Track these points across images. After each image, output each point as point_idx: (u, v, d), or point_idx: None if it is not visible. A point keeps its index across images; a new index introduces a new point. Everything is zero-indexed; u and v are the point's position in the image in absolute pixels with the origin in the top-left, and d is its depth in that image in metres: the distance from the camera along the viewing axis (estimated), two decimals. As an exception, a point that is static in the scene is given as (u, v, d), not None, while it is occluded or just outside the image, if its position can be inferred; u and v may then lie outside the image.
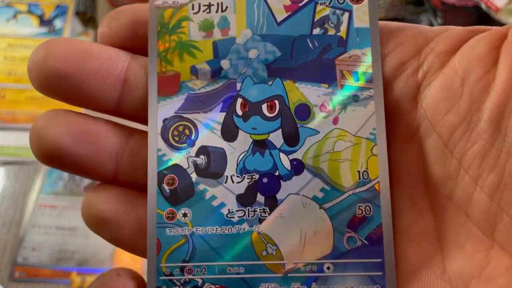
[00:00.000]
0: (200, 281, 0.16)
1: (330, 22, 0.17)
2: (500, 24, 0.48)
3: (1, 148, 0.53)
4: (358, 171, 0.17)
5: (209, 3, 0.18)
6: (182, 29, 0.18)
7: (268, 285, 0.16)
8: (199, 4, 0.18)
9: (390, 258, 0.16)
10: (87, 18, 0.59)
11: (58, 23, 0.59)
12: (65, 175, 0.51)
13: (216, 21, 0.18)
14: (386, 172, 0.17)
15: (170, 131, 0.17)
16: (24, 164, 0.52)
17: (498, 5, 0.47)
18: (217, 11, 0.18)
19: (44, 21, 0.59)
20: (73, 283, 0.45)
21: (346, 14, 0.17)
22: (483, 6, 0.48)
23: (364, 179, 0.17)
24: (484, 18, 0.50)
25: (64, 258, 0.47)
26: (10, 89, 0.56)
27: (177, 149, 0.17)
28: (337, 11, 0.17)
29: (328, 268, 0.16)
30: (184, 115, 0.17)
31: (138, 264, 0.45)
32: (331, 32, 0.17)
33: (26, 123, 0.54)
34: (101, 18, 0.60)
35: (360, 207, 0.16)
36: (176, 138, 0.17)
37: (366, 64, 0.17)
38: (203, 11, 0.18)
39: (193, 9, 0.18)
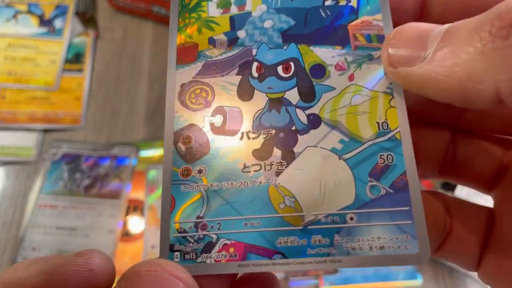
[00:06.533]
0: (215, 237, 0.15)
1: None
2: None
3: (1, 148, 0.53)
4: (377, 122, 0.16)
5: None
6: (201, 8, 0.19)
7: (287, 239, 0.15)
8: None
9: (418, 206, 0.15)
10: (87, 18, 0.59)
11: (58, 23, 0.59)
12: (65, 175, 0.51)
13: None
14: (406, 121, 0.16)
15: (188, 94, 0.17)
16: (24, 164, 0.52)
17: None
18: None
19: (44, 21, 0.59)
20: (74, 283, 0.43)
21: None
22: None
23: (384, 129, 0.16)
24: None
25: (63, 258, 0.46)
26: (10, 89, 0.55)
27: (194, 110, 0.17)
28: None
29: (352, 218, 0.15)
30: (201, 79, 0.18)
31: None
32: (343, 2, 0.18)
33: (26, 123, 0.54)
34: (101, 18, 0.60)
35: (382, 156, 0.16)
36: (193, 100, 0.17)
37: (377, 27, 0.17)
38: None
39: None
